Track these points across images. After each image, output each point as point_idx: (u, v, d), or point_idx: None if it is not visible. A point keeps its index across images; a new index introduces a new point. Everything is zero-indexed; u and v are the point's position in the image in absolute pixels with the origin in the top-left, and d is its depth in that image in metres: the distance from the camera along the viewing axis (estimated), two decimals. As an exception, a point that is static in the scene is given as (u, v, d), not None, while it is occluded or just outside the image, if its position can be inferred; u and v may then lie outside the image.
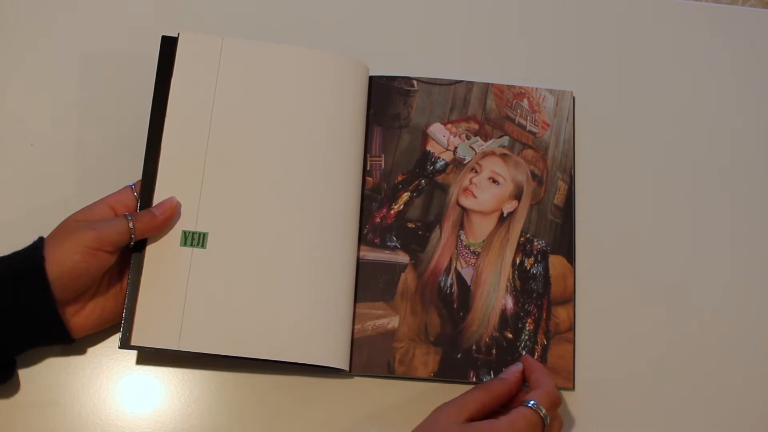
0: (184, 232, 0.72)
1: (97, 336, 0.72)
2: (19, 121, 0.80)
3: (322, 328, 0.71)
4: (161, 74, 0.75)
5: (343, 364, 0.72)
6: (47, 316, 0.66)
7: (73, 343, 0.70)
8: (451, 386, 0.73)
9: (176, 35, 0.76)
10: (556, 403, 0.68)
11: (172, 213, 0.71)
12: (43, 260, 0.65)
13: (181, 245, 0.72)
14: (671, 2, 0.90)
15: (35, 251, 0.66)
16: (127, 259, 0.71)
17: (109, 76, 0.81)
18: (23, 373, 0.71)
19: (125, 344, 0.69)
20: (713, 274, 0.80)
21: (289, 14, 0.85)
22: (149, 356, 0.73)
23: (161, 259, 0.71)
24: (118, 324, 0.70)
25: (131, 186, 0.73)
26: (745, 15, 0.91)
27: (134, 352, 0.73)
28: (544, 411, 0.66)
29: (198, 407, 0.72)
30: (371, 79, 0.80)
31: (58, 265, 0.65)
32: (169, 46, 0.76)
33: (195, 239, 0.72)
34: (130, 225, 0.68)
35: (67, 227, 0.68)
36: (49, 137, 0.79)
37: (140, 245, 0.71)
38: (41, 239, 0.68)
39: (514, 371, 0.71)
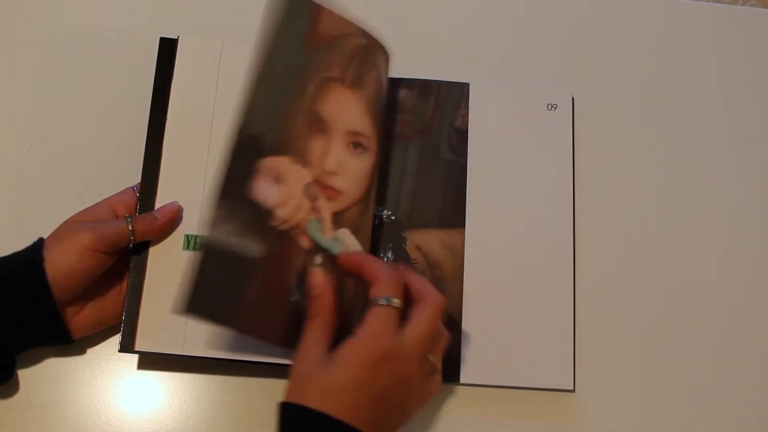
0: (187, 236, 0.72)
1: (97, 336, 0.72)
2: (19, 121, 0.80)
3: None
4: (160, 76, 0.75)
5: None
6: (47, 316, 0.66)
7: (72, 344, 0.70)
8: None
9: (175, 37, 0.76)
10: (396, 286, 0.64)
11: (173, 217, 0.71)
12: (42, 261, 0.65)
13: (183, 249, 0.72)
14: (671, 2, 0.90)
15: (34, 252, 0.66)
16: (126, 260, 0.71)
17: (108, 76, 0.81)
18: (23, 373, 0.72)
19: (127, 348, 0.69)
20: (714, 274, 0.80)
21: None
22: (151, 361, 0.73)
23: (163, 262, 0.71)
24: (118, 324, 0.70)
25: (133, 187, 0.73)
26: (745, 15, 0.91)
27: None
28: (396, 301, 0.63)
29: (198, 408, 0.72)
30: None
31: (56, 265, 0.66)
32: (167, 48, 0.76)
33: (197, 243, 0.72)
34: (130, 227, 0.68)
35: (67, 228, 0.68)
36: (49, 137, 0.79)
37: (141, 248, 0.71)
38: (41, 240, 0.68)
39: (314, 284, 0.66)
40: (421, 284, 0.66)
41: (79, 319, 0.69)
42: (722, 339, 0.78)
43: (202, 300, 0.63)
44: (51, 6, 0.84)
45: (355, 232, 0.70)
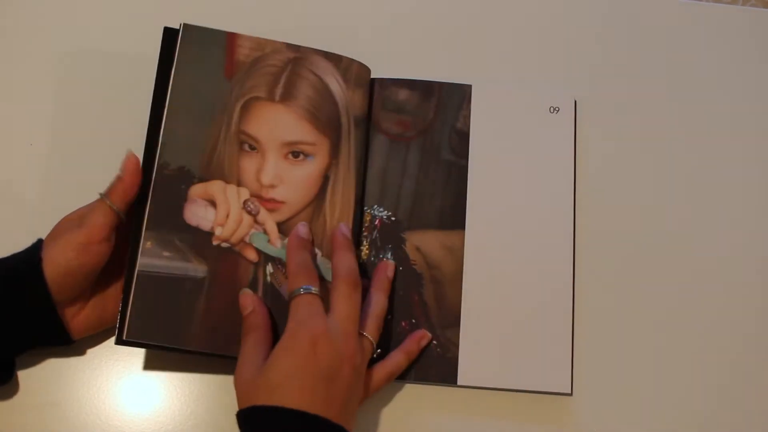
0: None
1: (97, 336, 0.72)
2: (19, 121, 0.79)
3: None
4: (163, 67, 0.74)
5: None
6: (46, 318, 0.66)
7: (72, 344, 0.70)
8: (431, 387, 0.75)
9: (178, 27, 0.76)
10: (308, 273, 0.68)
11: (134, 167, 0.68)
12: (41, 262, 0.65)
13: None
14: (671, 2, 0.89)
15: (33, 253, 0.66)
16: (126, 259, 0.70)
17: (108, 74, 0.81)
18: (23, 374, 0.72)
19: (120, 340, 0.68)
20: (715, 277, 0.80)
21: (288, 13, 0.85)
22: (156, 362, 0.73)
23: None
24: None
25: None
26: (745, 15, 0.91)
27: (136, 351, 0.73)
28: (313, 288, 0.67)
29: (198, 408, 0.73)
30: (373, 81, 0.80)
31: (53, 265, 0.65)
32: (171, 38, 0.75)
33: None
34: (108, 202, 0.67)
35: (61, 227, 0.68)
36: (48, 137, 0.79)
37: (138, 240, 0.70)
38: (40, 241, 0.68)
39: (243, 304, 0.70)
40: (334, 263, 0.69)
41: (80, 320, 0.69)
42: (722, 341, 0.78)
43: (143, 326, 0.68)
44: (50, 6, 0.83)
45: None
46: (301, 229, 0.72)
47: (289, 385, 0.62)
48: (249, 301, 0.69)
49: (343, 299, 0.67)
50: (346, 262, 0.69)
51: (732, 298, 0.80)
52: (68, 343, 0.69)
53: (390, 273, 0.74)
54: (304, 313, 0.65)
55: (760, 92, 0.87)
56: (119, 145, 0.77)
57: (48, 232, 0.68)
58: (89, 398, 0.72)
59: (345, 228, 0.72)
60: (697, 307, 0.79)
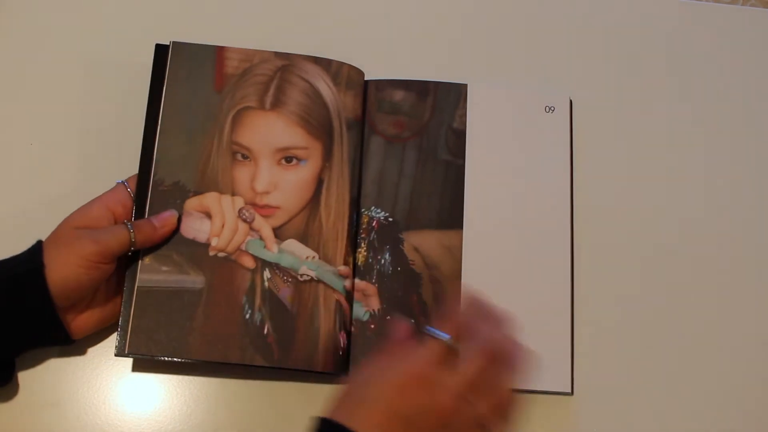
0: None
1: (97, 337, 0.73)
2: (19, 121, 0.80)
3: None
4: (156, 81, 0.76)
5: (340, 368, 0.72)
6: (47, 320, 0.66)
7: (73, 344, 0.70)
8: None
9: (169, 43, 0.77)
10: (450, 323, 0.61)
11: (172, 227, 0.72)
12: (43, 267, 0.65)
13: None
14: (671, 2, 0.90)
15: (34, 256, 0.66)
16: (128, 258, 0.71)
17: (108, 77, 0.82)
18: (23, 374, 0.72)
19: (121, 352, 0.69)
20: (714, 275, 0.80)
21: (284, 19, 0.86)
22: (149, 363, 0.73)
23: None
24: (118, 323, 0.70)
25: (124, 183, 0.73)
26: (745, 15, 0.91)
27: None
28: (445, 336, 0.60)
29: (197, 408, 0.73)
30: (368, 82, 0.80)
31: (59, 276, 0.65)
32: (163, 54, 0.76)
33: None
34: (132, 237, 0.69)
35: (66, 235, 0.68)
36: (49, 137, 0.79)
37: (136, 254, 0.71)
38: (40, 243, 0.68)
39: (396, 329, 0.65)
40: (489, 331, 0.63)
41: (80, 320, 0.70)
42: (722, 341, 0.78)
43: (144, 339, 0.69)
44: (51, 8, 0.84)
45: (304, 239, 0.74)
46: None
47: (370, 413, 0.58)
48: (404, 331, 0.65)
49: (476, 365, 0.60)
50: (498, 338, 0.63)
51: (732, 298, 0.79)
52: (69, 343, 0.70)
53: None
54: (423, 352, 0.60)
55: (759, 92, 0.87)
56: (119, 146, 0.79)
57: (47, 232, 0.69)
58: (89, 398, 0.72)
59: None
60: (696, 306, 0.79)
